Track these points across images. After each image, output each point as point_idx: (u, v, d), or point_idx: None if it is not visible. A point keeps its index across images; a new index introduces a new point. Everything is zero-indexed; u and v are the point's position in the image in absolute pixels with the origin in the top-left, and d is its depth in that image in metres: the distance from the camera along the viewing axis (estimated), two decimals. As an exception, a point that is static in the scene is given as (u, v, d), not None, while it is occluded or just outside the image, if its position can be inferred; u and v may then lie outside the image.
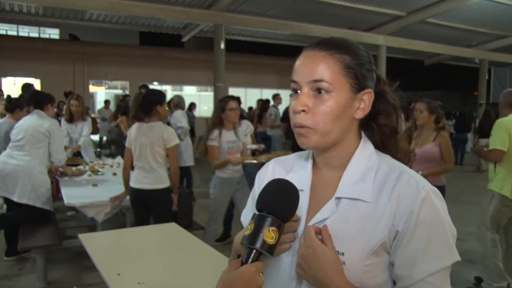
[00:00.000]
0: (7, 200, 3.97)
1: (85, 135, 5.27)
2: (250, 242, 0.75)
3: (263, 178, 0.99)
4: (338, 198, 0.85)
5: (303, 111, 0.83)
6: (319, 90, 0.83)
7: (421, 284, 0.78)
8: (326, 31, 11.43)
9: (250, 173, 4.38)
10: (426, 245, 0.78)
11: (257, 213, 0.78)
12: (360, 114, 0.87)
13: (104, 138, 10.65)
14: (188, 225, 4.03)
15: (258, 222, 0.76)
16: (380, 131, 0.92)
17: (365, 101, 0.87)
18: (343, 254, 0.80)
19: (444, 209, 0.82)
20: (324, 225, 0.82)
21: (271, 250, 0.75)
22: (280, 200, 0.78)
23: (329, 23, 11.52)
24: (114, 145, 8.35)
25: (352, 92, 0.84)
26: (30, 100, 4.06)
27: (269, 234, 0.74)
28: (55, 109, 5.37)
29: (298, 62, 0.87)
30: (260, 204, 0.79)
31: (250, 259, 0.75)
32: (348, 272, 0.80)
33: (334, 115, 0.82)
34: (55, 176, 4.39)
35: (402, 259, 0.80)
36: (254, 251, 0.75)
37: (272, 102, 9.15)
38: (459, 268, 3.76)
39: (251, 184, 1.19)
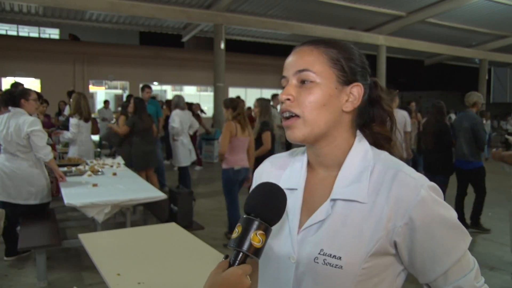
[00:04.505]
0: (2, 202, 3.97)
1: (73, 132, 5.29)
2: (237, 245, 0.76)
3: (259, 177, 0.99)
4: (334, 200, 0.84)
5: (288, 99, 0.84)
6: (304, 80, 0.84)
7: (448, 273, 0.80)
8: (326, 31, 11.45)
9: None
10: (442, 241, 0.79)
11: (244, 216, 0.78)
12: (349, 107, 0.86)
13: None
14: (188, 225, 4.03)
15: (246, 226, 0.76)
16: (374, 138, 0.92)
17: (354, 94, 0.86)
18: (340, 258, 0.79)
19: (443, 200, 0.83)
20: None
21: (257, 253, 0.76)
22: (267, 204, 0.78)
23: (329, 23, 11.54)
24: (106, 141, 8.40)
25: (339, 83, 0.85)
26: (3, 100, 3.96)
27: (256, 238, 0.75)
28: (36, 102, 5.33)
29: (287, 60, 0.89)
30: (248, 207, 0.79)
31: (237, 262, 0.76)
32: (345, 276, 0.79)
33: (320, 103, 0.83)
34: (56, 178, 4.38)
35: (422, 260, 0.81)
36: (241, 253, 0.76)
37: (271, 102, 9.14)
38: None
39: None
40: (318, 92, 0.83)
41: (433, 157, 5.04)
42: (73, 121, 5.34)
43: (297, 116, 0.83)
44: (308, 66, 0.83)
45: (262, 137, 4.60)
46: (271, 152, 4.73)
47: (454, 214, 0.82)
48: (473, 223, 4.97)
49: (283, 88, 0.88)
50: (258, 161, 4.25)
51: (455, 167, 4.95)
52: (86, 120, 5.45)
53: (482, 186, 4.84)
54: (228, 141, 4.18)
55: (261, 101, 4.82)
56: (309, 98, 0.83)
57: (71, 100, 5.56)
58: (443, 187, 5.13)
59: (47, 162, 4.00)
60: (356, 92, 0.86)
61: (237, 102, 4.37)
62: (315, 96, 0.83)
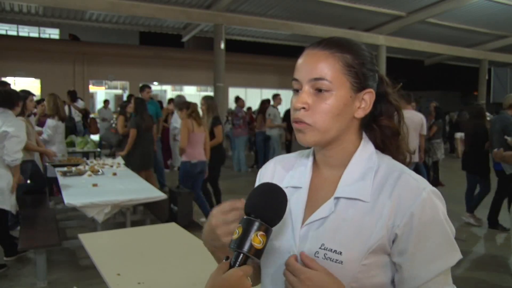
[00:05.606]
0: None
1: (49, 134, 5.34)
2: (238, 246, 0.75)
3: (263, 177, 0.99)
4: (337, 198, 0.85)
5: (303, 108, 0.83)
6: (319, 89, 0.83)
7: (429, 284, 0.80)
8: (326, 31, 11.44)
9: None
10: (433, 247, 0.79)
11: (245, 217, 0.78)
12: (360, 114, 0.87)
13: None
14: (188, 225, 4.04)
15: (246, 226, 0.76)
16: (381, 132, 0.92)
17: (366, 101, 0.86)
18: (340, 253, 0.80)
19: (444, 208, 0.82)
20: (301, 253, 0.82)
21: (258, 254, 0.76)
22: (268, 204, 0.78)
23: (329, 23, 11.53)
24: (105, 141, 8.43)
25: (353, 91, 0.85)
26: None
27: (256, 239, 0.75)
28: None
29: (300, 61, 0.87)
30: (248, 208, 0.78)
31: (238, 263, 0.76)
32: (345, 272, 0.80)
33: (334, 113, 0.83)
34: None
35: (410, 261, 0.80)
36: (242, 255, 0.75)
37: (271, 102, 9.13)
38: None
39: None
40: (333, 102, 0.83)
41: (469, 158, 5.32)
42: (51, 122, 5.36)
43: (308, 124, 0.83)
44: (324, 74, 0.82)
45: (214, 131, 5.12)
46: (220, 144, 5.38)
47: (451, 227, 0.82)
48: (491, 223, 5.04)
49: (294, 90, 0.87)
50: (211, 152, 5.01)
51: (494, 170, 5.04)
52: (62, 120, 5.48)
53: (505, 188, 4.90)
54: (187, 137, 4.63)
55: (207, 99, 5.38)
56: (324, 108, 0.82)
57: (44, 102, 5.60)
58: (484, 187, 5.25)
59: (12, 168, 3.69)
60: (368, 98, 0.86)
61: (188, 103, 4.91)
62: (330, 106, 0.82)
